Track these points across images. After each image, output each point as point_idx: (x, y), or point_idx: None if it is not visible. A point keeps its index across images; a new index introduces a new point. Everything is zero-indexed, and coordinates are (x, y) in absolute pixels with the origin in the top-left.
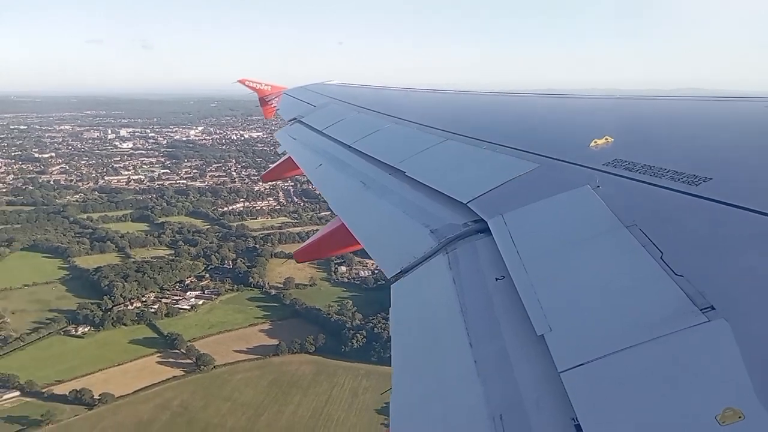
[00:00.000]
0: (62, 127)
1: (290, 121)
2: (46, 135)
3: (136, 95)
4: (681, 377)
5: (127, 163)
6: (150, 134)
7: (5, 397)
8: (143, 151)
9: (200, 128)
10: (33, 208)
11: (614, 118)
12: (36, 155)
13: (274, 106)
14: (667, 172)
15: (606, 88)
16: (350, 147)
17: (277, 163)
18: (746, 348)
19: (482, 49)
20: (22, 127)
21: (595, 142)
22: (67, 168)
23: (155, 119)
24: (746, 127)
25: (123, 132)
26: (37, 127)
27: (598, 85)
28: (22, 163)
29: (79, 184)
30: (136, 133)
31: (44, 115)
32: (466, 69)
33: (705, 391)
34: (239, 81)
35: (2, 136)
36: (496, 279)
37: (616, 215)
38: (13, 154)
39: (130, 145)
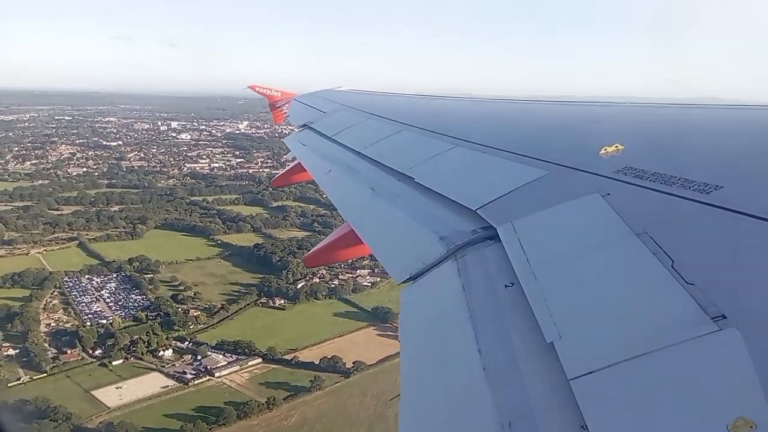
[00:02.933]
0: (108, 119)
1: (300, 127)
2: (96, 125)
3: (160, 93)
4: (692, 386)
5: (198, 152)
6: (200, 127)
7: (250, 363)
8: (205, 142)
9: (245, 122)
10: (138, 191)
11: (625, 125)
12: (105, 143)
13: (284, 112)
14: (678, 180)
15: (622, 95)
16: (360, 153)
17: (287, 168)
18: (758, 357)
19: (502, 52)
20: (67, 117)
21: (605, 149)
22: (143, 155)
23: (192, 114)
24: (758, 136)
25: (174, 124)
26: (81, 118)
27: (615, 92)
28: (94, 150)
29: (166, 170)
30: (187, 126)
31: (80, 107)
32: (489, 72)
33: (716, 401)
34: (250, 87)
35: (52, 125)
36: (506, 286)
37: (626, 223)
38: (77, 141)
39: (188, 137)
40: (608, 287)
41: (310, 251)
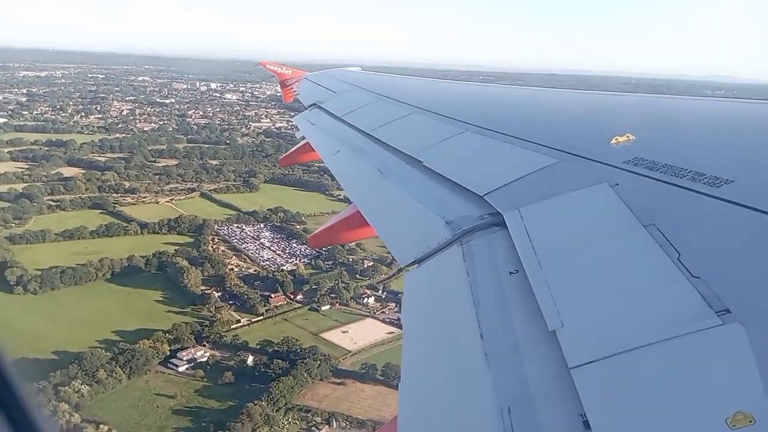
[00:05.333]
0: (141, 78)
1: (309, 106)
2: (135, 84)
3: (177, 55)
4: (693, 379)
5: (254, 112)
6: (240, 89)
7: None
8: (255, 103)
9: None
10: (223, 146)
11: (637, 115)
12: (158, 100)
13: (294, 91)
14: (689, 172)
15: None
16: (369, 135)
17: (295, 147)
18: (760, 352)
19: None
20: (100, 75)
21: (617, 139)
22: (203, 113)
23: (221, 77)
24: None
25: (212, 85)
26: (113, 77)
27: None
28: (151, 107)
29: (232, 128)
30: (227, 87)
31: (105, 66)
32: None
33: (716, 394)
34: (261, 64)
35: (90, 83)
36: (510, 273)
37: (635, 214)
38: (127, 98)
39: (234, 98)
40: (613, 278)
41: (315, 231)
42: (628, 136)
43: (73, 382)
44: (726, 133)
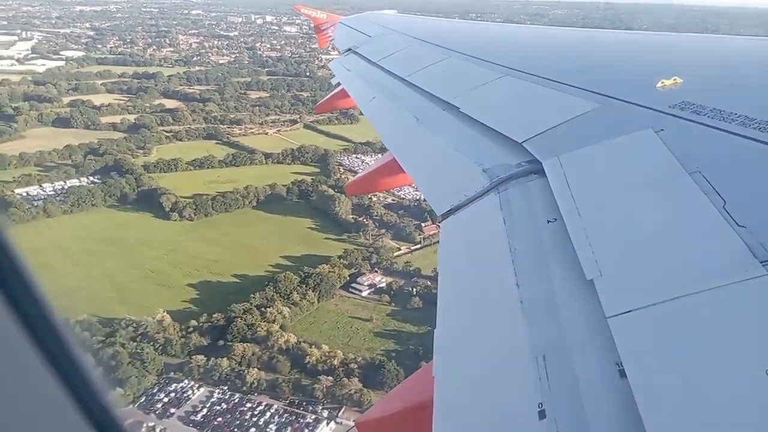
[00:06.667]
0: (195, 11)
1: (345, 51)
2: (191, 18)
3: None
4: (734, 330)
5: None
6: (297, 21)
7: None
8: (314, 36)
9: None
10: (307, 78)
11: (685, 57)
12: (223, 33)
13: (330, 35)
14: (738, 117)
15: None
16: (404, 80)
17: (331, 93)
18: None
19: None
20: (153, 9)
21: (663, 82)
22: (270, 46)
23: (271, 9)
24: None
25: (268, 17)
26: (166, 10)
27: None
28: (218, 40)
29: (309, 59)
30: (283, 20)
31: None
32: None
33: (757, 345)
34: (295, 7)
35: (148, 17)
36: (548, 221)
37: (679, 161)
38: (190, 32)
39: (294, 30)
40: (654, 227)
41: (352, 179)
42: (675, 79)
43: (276, 304)
44: None
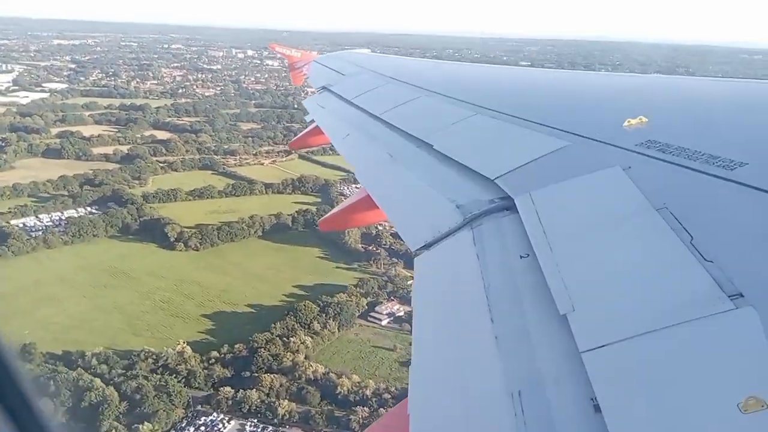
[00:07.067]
0: (175, 46)
1: (319, 89)
2: (170, 52)
3: (194, 24)
4: (705, 364)
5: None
6: (278, 56)
7: None
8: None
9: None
10: (295, 110)
11: (650, 97)
12: (206, 67)
13: (304, 73)
14: (702, 155)
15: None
16: (378, 118)
17: (305, 131)
18: None
19: None
20: (133, 43)
21: (629, 121)
22: (254, 79)
23: (249, 44)
24: None
25: (249, 52)
26: (146, 44)
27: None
28: (201, 74)
29: (295, 92)
30: (264, 54)
31: (135, 36)
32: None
33: (729, 379)
34: (270, 46)
35: (128, 51)
36: (521, 257)
37: (647, 197)
38: (172, 65)
39: (277, 64)
40: (625, 262)
41: (326, 215)
42: (640, 119)
43: (299, 334)
44: (741, 115)
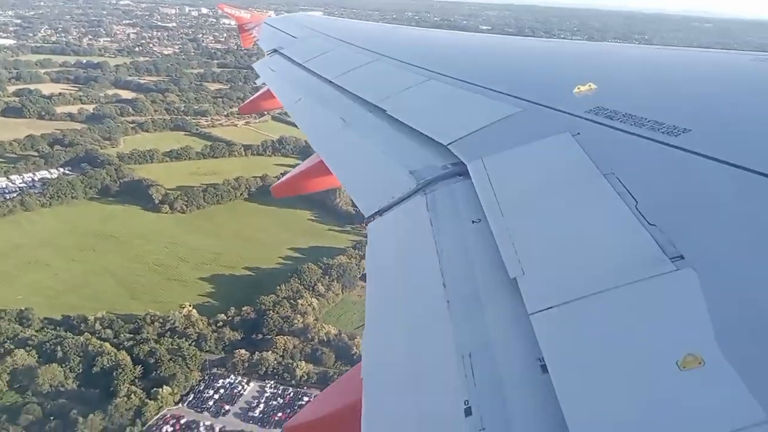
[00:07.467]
0: (123, 2)
1: (270, 52)
2: (120, 8)
3: None
4: (646, 323)
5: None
6: (219, 13)
7: None
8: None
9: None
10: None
11: (599, 65)
12: (160, 24)
13: (254, 36)
14: (648, 121)
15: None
16: (331, 82)
17: (256, 95)
18: (711, 298)
19: None
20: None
21: (579, 88)
22: (213, 38)
23: (202, 1)
24: (731, 82)
25: (203, 10)
26: (92, 1)
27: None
28: (155, 31)
29: (258, 52)
30: (218, 13)
31: None
32: None
33: (668, 337)
34: (219, 6)
35: (75, 6)
36: (473, 222)
37: (595, 163)
38: (124, 22)
39: (233, 23)
40: (572, 226)
41: (279, 181)
42: (590, 86)
43: (306, 296)
44: (686, 84)
